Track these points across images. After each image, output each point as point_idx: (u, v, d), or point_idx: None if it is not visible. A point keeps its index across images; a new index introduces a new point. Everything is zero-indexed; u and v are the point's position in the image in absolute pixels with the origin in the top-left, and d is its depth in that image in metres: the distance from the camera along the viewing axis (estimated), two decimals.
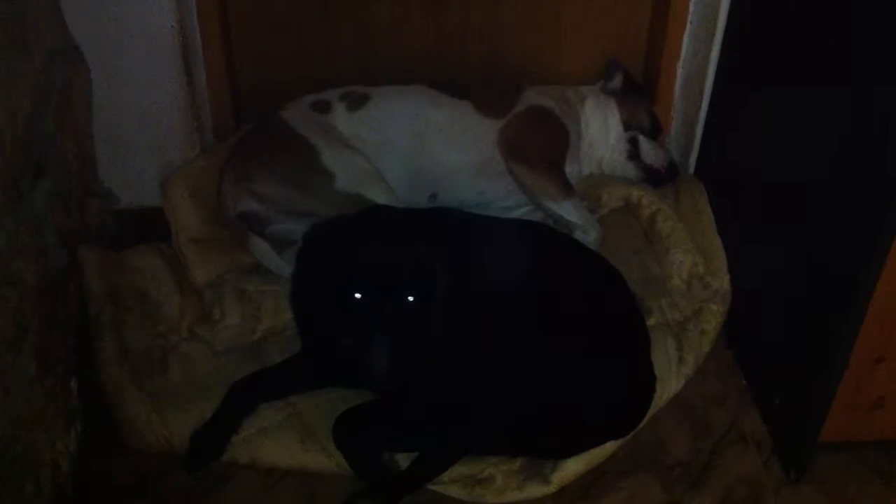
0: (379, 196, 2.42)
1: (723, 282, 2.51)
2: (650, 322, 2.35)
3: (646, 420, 2.19)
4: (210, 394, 2.17)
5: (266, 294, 2.40)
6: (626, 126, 2.77)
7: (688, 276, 2.52)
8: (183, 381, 2.25)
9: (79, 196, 2.39)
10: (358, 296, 1.86)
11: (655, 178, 2.76)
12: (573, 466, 2.09)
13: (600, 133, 2.77)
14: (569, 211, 2.54)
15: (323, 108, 2.59)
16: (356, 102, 2.59)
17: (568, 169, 2.65)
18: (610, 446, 2.14)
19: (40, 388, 1.96)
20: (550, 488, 2.07)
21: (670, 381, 2.29)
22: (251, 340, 2.35)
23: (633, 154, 2.76)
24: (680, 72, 2.80)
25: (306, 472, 2.12)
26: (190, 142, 2.66)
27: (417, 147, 2.57)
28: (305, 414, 2.18)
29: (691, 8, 2.68)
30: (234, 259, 2.49)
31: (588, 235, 2.53)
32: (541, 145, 2.59)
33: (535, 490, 2.07)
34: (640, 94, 2.83)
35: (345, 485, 2.05)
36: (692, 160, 2.86)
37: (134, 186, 2.66)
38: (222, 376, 2.22)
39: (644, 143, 2.76)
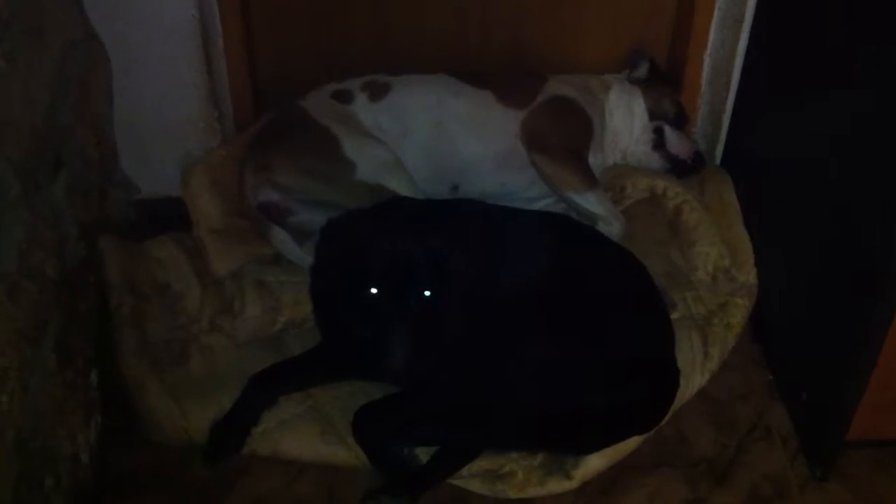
0: (400, 187, 2.40)
1: (749, 275, 2.47)
2: (674, 316, 2.31)
3: (669, 415, 2.15)
4: (230, 386, 2.16)
5: (286, 285, 2.38)
6: (652, 116, 2.73)
7: (713, 269, 2.48)
8: (203, 372, 2.24)
9: (99, 187, 2.39)
10: (374, 290, 1.85)
11: (681, 169, 2.71)
12: (595, 462, 2.06)
13: (625, 123, 2.73)
14: (592, 202, 2.50)
15: (344, 97, 2.57)
16: (378, 92, 2.57)
17: (591, 160, 2.61)
18: (633, 442, 2.11)
19: (60, 382, 1.95)
20: (572, 484, 2.05)
21: (694, 376, 2.26)
22: (271, 332, 2.33)
23: (659, 144, 2.72)
24: (707, 60, 2.75)
25: (326, 466, 2.11)
26: (210, 132, 2.65)
27: (438, 137, 2.54)
28: (325, 406, 2.17)
29: None
30: (255, 250, 2.48)
31: (611, 227, 2.50)
32: (564, 136, 2.56)
33: (557, 485, 2.05)
34: (665, 84, 2.79)
35: (365, 478, 2.04)
36: (719, 151, 2.82)
37: (154, 176, 2.66)
38: (242, 368, 2.20)
39: (669, 134, 2.71)
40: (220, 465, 2.08)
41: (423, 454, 2.05)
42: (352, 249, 1.89)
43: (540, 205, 2.64)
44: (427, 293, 1.85)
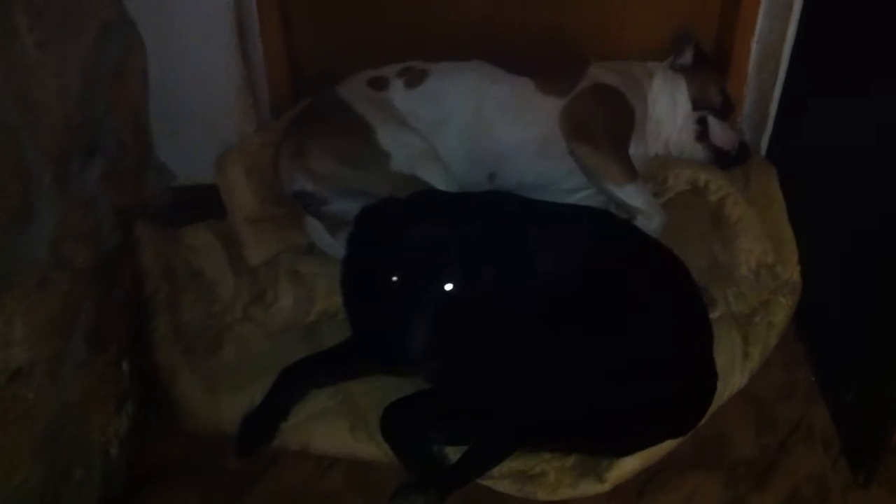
0: (435, 177, 2.36)
1: (793, 272, 2.40)
2: (715, 314, 2.25)
3: (707, 416, 2.09)
4: (262, 376, 2.15)
5: (320, 276, 2.36)
6: (696, 105, 2.65)
7: (756, 265, 2.42)
8: (236, 362, 2.24)
9: (135, 173, 2.38)
10: (394, 279, 1.82)
11: (725, 161, 2.64)
12: (629, 465, 2.02)
13: (668, 112, 2.66)
14: (632, 195, 2.44)
15: (380, 84, 2.53)
16: (414, 79, 2.52)
17: (632, 150, 2.55)
18: (668, 444, 2.06)
19: (91, 371, 1.96)
20: (605, 486, 2.01)
21: (734, 376, 2.20)
22: (304, 323, 2.32)
23: (702, 135, 2.64)
24: (754, 47, 2.68)
25: (357, 461, 2.09)
26: (246, 118, 2.64)
27: (476, 125, 2.49)
28: (356, 401, 2.15)
29: None
30: (290, 239, 2.47)
31: (651, 222, 2.43)
32: (604, 125, 2.49)
33: (589, 488, 2.01)
34: (711, 71, 2.71)
35: (396, 473, 2.00)
36: (764, 141, 2.75)
37: (190, 163, 2.64)
38: (275, 358, 2.19)
39: (714, 124, 2.64)
40: (251, 457, 2.07)
41: (453, 453, 2.01)
42: (379, 238, 1.87)
43: (578, 196, 2.59)
44: (449, 286, 1.82)
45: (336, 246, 2.39)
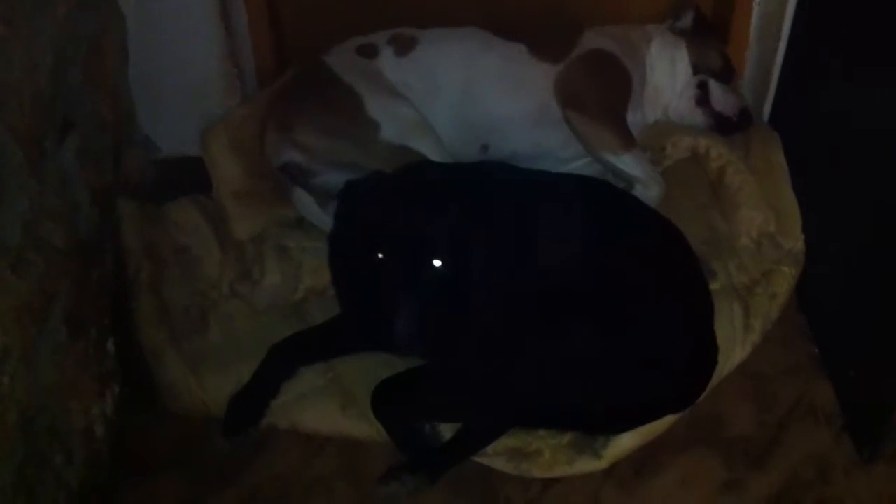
0: (427, 148, 2.29)
1: (796, 242, 2.33)
2: (715, 286, 2.18)
3: (706, 392, 2.04)
4: (249, 356, 2.10)
5: (308, 251, 2.30)
6: (696, 69, 2.56)
7: (758, 234, 2.34)
8: (222, 342, 2.19)
9: (115, 149, 2.31)
10: (380, 256, 1.76)
11: (726, 127, 2.55)
12: (627, 442, 1.97)
13: (667, 77, 2.57)
14: (630, 164, 2.37)
15: (369, 52, 2.45)
16: (404, 46, 2.44)
17: (630, 117, 2.47)
18: (667, 420, 2.01)
19: (72, 354, 1.90)
20: (601, 464, 1.96)
21: (735, 349, 2.14)
22: (292, 300, 2.27)
23: (703, 100, 2.55)
24: (756, 10, 2.57)
25: (348, 441, 2.05)
26: (231, 89, 2.56)
27: (468, 94, 2.41)
28: (347, 379, 2.10)
29: None
30: (277, 212, 2.41)
31: (650, 191, 2.36)
32: (601, 93, 2.41)
33: (586, 465, 1.96)
34: (711, 35, 2.61)
35: (387, 455, 1.97)
36: (767, 107, 2.65)
37: (175, 135, 2.57)
38: (262, 337, 2.14)
39: (715, 89, 2.55)
40: (238, 439, 2.02)
41: (447, 430, 1.97)
42: (365, 213, 1.81)
43: (574, 165, 2.51)
44: (437, 263, 1.76)
45: (325, 219, 2.31)
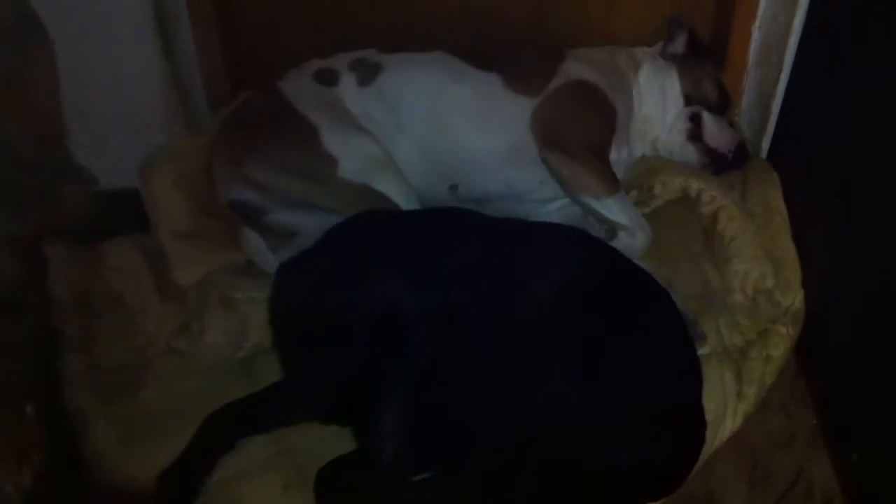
0: (390, 188, 2.09)
1: (795, 298, 2.13)
2: (704, 350, 1.98)
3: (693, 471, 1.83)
4: (188, 423, 1.84)
5: (256, 303, 2.06)
6: (688, 99, 2.35)
7: (753, 290, 2.14)
8: (157, 407, 1.97)
9: (45, 187, 2.09)
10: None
11: (720, 164, 2.34)
12: None
13: (656, 108, 2.36)
14: (613, 210, 2.15)
15: (329, 79, 2.24)
16: (367, 73, 2.24)
17: (615, 155, 2.26)
18: None
19: None
20: None
21: (725, 421, 1.93)
22: (237, 358, 2.05)
23: (695, 135, 2.34)
24: (756, 35, 2.38)
25: None
26: (172, 118, 2.35)
27: (436, 129, 2.20)
28: (294, 453, 1.88)
29: None
30: (225, 256, 2.19)
31: (635, 239, 2.14)
32: (582, 130, 2.19)
33: None
34: (706, 60, 2.40)
35: None
36: (766, 142, 2.44)
37: (115, 167, 2.33)
38: (203, 401, 1.89)
39: (709, 123, 2.34)
40: None
41: None
42: (299, 302, 1.71)
43: (553, 206, 2.31)
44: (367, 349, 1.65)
45: (276, 264, 2.09)
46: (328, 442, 1.82)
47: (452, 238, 1.88)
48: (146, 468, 1.84)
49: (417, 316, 1.70)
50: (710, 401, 1.87)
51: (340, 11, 2.46)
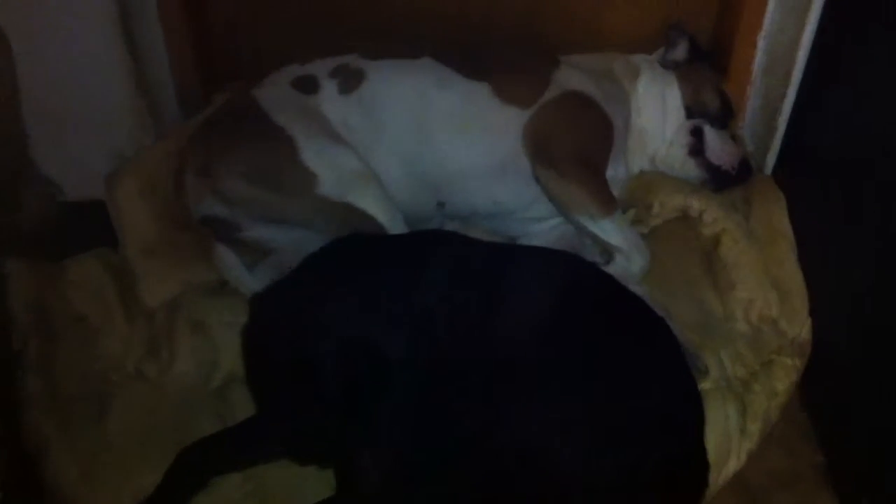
0: (372, 206, 1.98)
1: (801, 328, 2.02)
2: (705, 385, 1.88)
3: None
4: (156, 455, 1.75)
5: (230, 328, 1.94)
6: (689, 112, 2.23)
7: (757, 319, 2.03)
8: (123, 438, 1.85)
9: (4, 198, 1.96)
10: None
11: (722, 181, 2.23)
12: None
13: (655, 120, 2.24)
14: (609, 231, 2.03)
15: (308, 86, 2.11)
16: (350, 81, 2.10)
17: (611, 172, 2.14)
18: None
19: None
20: None
21: (729, 460, 1.84)
22: (209, 389, 1.94)
23: (697, 150, 2.23)
24: (761, 44, 2.27)
25: None
26: (139, 125, 2.23)
27: (421, 143, 2.08)
28: (267, 492, 1.77)
29: None
30: (196, 275, 2.08)
31: (631, 263, 2.03)
32: (576, 145, 2.06)
33: None
34: (708, 69, 2.29)
35: None
36: (771, 157, 2.33)
37: (80, 176, 2.24)
38: (172, 431, 1.81)
39: (711, 137, 2.23)
40: None
41: None
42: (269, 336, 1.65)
43: (545, 225, 2.20)
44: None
45: (251, 284, 2.00)
46: (300, 481, 1.76)
47: (435, 267, 1.78)
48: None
49: (396, 350, 1.63)
50: (713, 439, 1.78)
51: (321, 8, 2.35)
